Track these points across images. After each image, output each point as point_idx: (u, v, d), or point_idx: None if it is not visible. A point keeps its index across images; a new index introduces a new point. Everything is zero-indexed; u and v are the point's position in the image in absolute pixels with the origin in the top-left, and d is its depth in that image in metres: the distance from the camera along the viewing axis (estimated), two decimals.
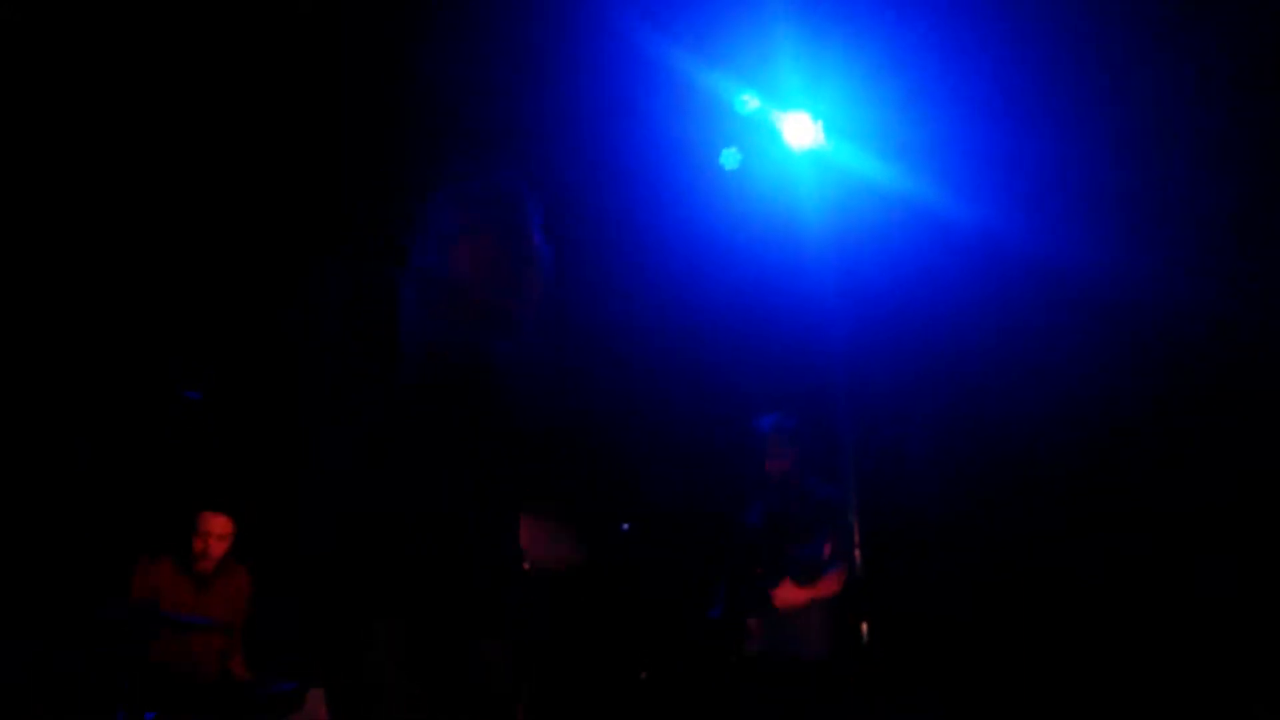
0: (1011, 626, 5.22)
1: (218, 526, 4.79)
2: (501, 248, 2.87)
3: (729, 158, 5.42)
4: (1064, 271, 5.08)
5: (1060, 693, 5.07)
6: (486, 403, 2.91)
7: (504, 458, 2.96)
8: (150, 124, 4.96)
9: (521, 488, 3.03)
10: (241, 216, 5.19)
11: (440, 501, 2.79)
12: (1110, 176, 4.85)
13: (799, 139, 5.34)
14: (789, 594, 4.85)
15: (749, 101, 5.36)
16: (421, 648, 2.64)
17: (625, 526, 5.09)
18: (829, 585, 4.83)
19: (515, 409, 2.96)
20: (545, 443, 3.12)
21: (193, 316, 5.24)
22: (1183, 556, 4.87)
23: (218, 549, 4.76)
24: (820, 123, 5.30)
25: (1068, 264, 5.06)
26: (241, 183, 5.28)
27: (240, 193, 5.29)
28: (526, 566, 3.20)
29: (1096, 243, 4.95)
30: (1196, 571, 4.85)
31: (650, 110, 5.43)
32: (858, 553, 4.93)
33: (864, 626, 4.93)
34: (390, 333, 2.93)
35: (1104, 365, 5.10)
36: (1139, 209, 4.87)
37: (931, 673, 5.27)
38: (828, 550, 4.87)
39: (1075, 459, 5.15)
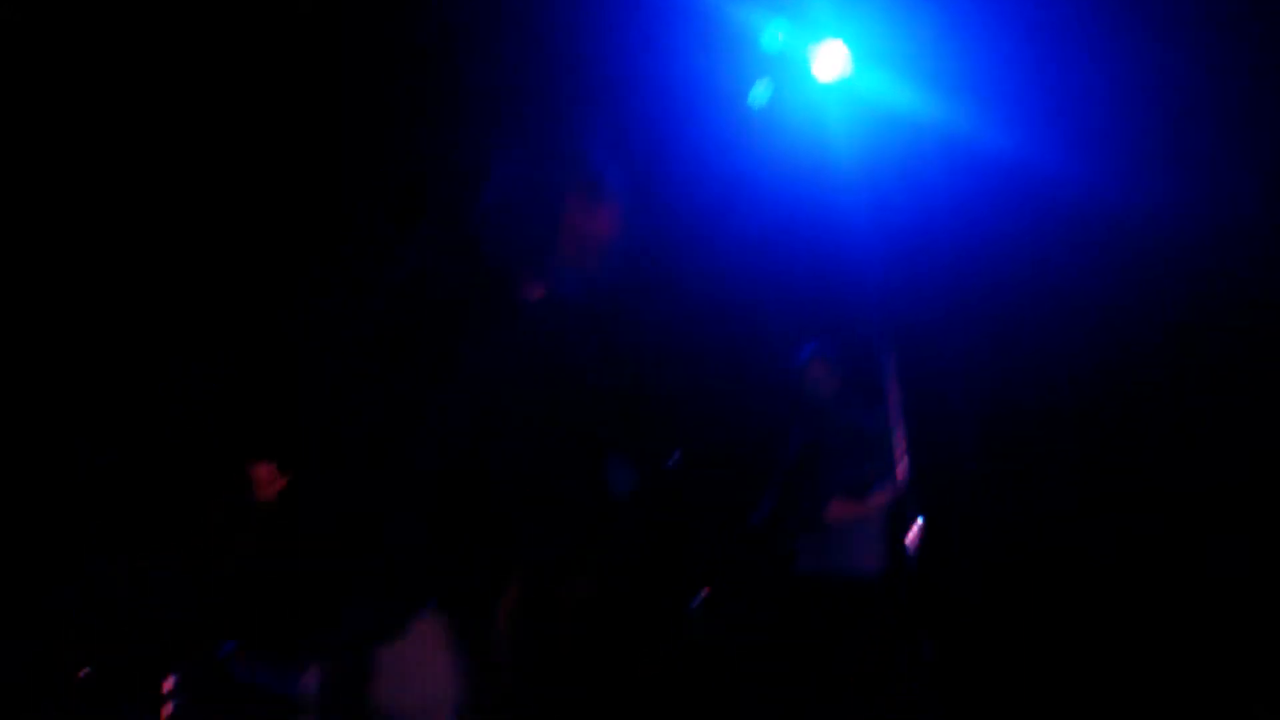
0: (1041, 569, 5.21)
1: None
2: (566, 173, 2.84)
3: (758, 92, 5.35)
4: (1103, 203, 5.04)
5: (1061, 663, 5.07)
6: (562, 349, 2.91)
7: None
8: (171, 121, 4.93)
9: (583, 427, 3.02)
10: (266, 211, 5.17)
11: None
12: (1156, 105, 4.79)
13: (828, 71, 5.27)
14: (836, 509, 4.88)
15: (776, 35, 5.28)
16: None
17: (675, 456, 5.09)
18: (876, 499, 4.88)
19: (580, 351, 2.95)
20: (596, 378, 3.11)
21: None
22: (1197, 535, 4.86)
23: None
24: (850, 52, 5.22)
25: (1107, 195, 5.01)
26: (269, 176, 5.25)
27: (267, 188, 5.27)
28: None
29: (1140, 174, 4.90)
30: (1209, 556, 4.85)
31: (672, 46, 5.37)
32: (901, 471, 4.90)
33: (911, 538, 4.90)
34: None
35: (1142, 300, 5.06)
36: (1187, 141, 4.81)
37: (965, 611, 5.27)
38: (872, 473, 4.89)
39: (1109, 391, 5.12)
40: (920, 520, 4.65)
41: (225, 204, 5.02)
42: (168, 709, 4.07)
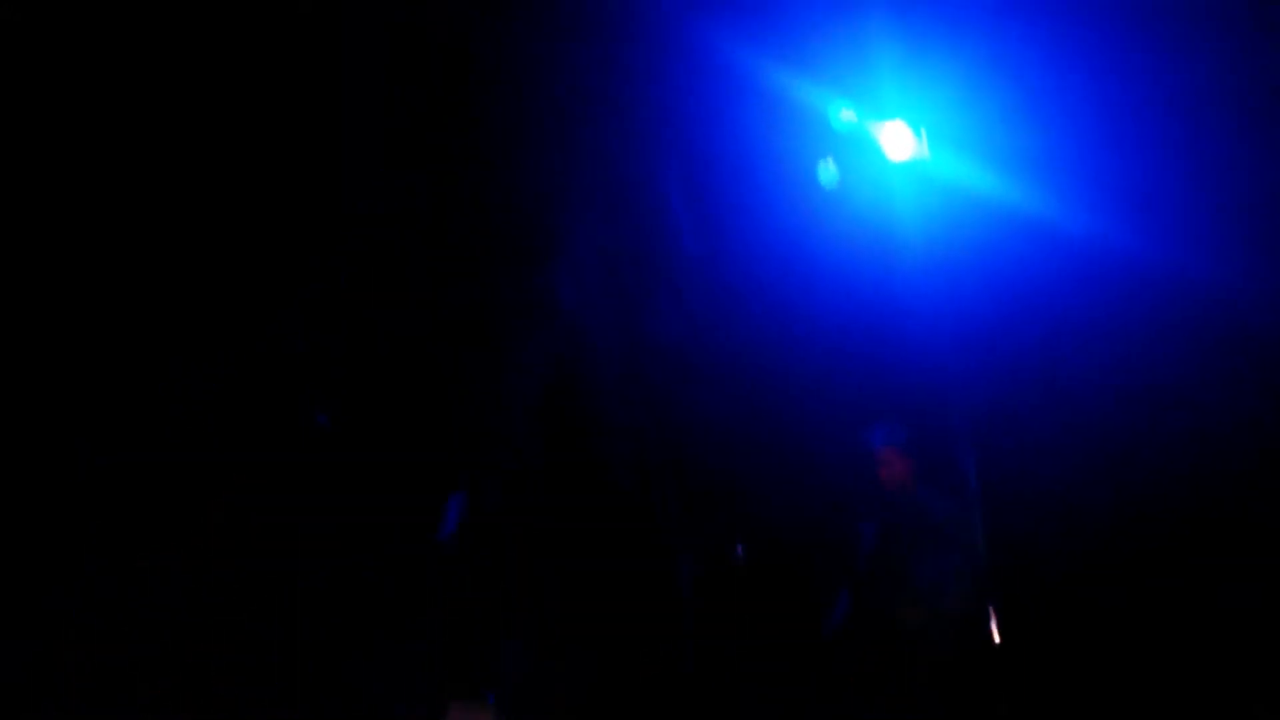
0: (1132, 654, 5.05)
1: None
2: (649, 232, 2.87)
3: (827, 172, 5.30)
4: (1184, 284, 4.93)
5: None
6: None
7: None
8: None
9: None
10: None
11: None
12: (1232, 186, 4.71)
13: (898, 150, 5.21)
14: (909, 613, 4.74)
15: (846, 114, 5.24)
16: None
17: (740, 550, 4.97)
18: (952, 604, 4.72)
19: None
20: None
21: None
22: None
23: None
24: (921, 133, 5.17)
25: (1185, 276, 4.90)
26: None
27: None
28: None
29: (1217, 255, 4.80)
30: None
31: (745, 125, 5.33)
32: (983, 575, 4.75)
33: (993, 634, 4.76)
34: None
35: (1226, 381, 4.93)
36: (1263, 221, 4.71)
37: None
38: (950, 569, 4.75)
39: (1196, 476, 4.98)
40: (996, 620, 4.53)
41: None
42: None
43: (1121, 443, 4.87)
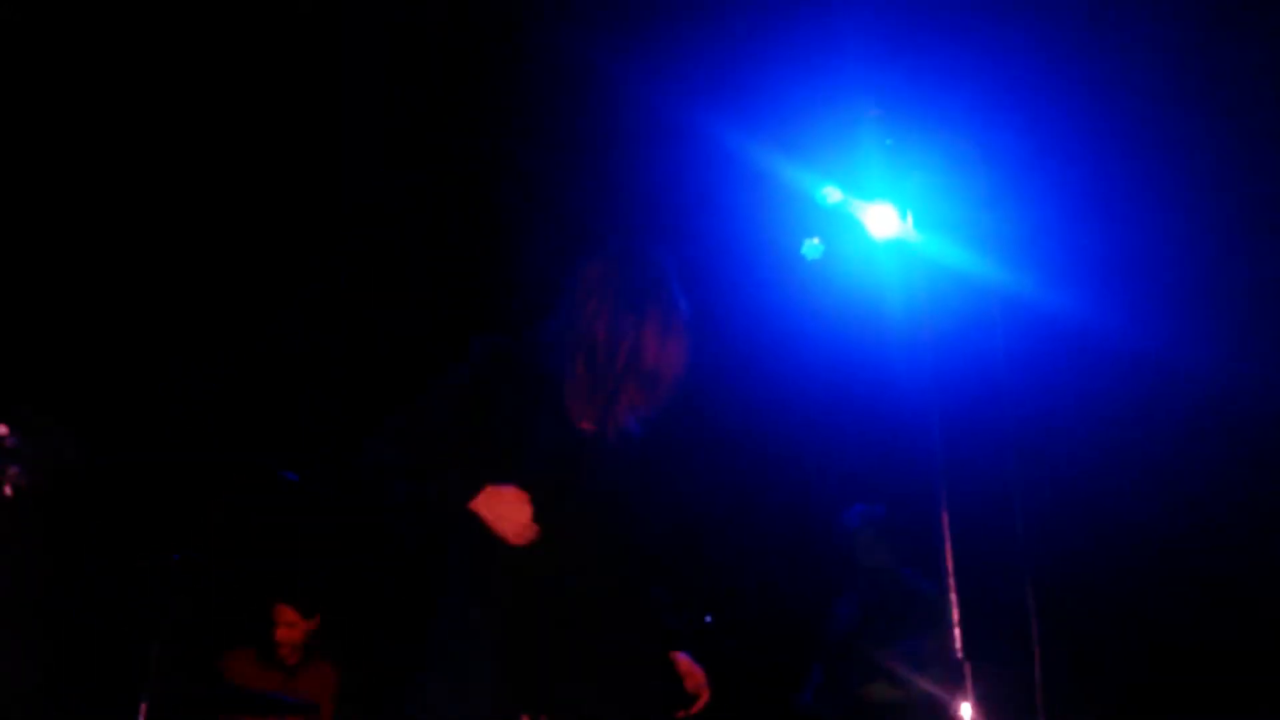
0: None
1: (288, 616, 4.74)
2: (648, 316, 2.84)
3: (811, 249, 5.38)
4: (1161, 363, 4.96)
5: None
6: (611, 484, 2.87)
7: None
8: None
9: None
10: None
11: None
12: (1213, 268, 4.77)
13: (882, 229, 5.29)
14: (884, 692, 4.64)
15: (831, 193, 5.34)
16: None
17: (709, 619, 4.91)
18: (925, 685, 4.63)
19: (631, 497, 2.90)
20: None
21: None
22: None
23: (294, 636, 4.68)
24: (906, 213, 5.25)
25: (1165, 355, 4.93)
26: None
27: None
28: None
29: (1199, 336, 4.84)
30: None
31: (731, 203, 5.45)
32: (959, 649, 4.67)
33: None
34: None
35: (1210, 462, 4.92)
36: (1245, 302, 4.76)
37: None
38: (927, 647, 4.68)
39: (1184, 553, 4.94)
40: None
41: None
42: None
43: (1106, 522, 4.85)
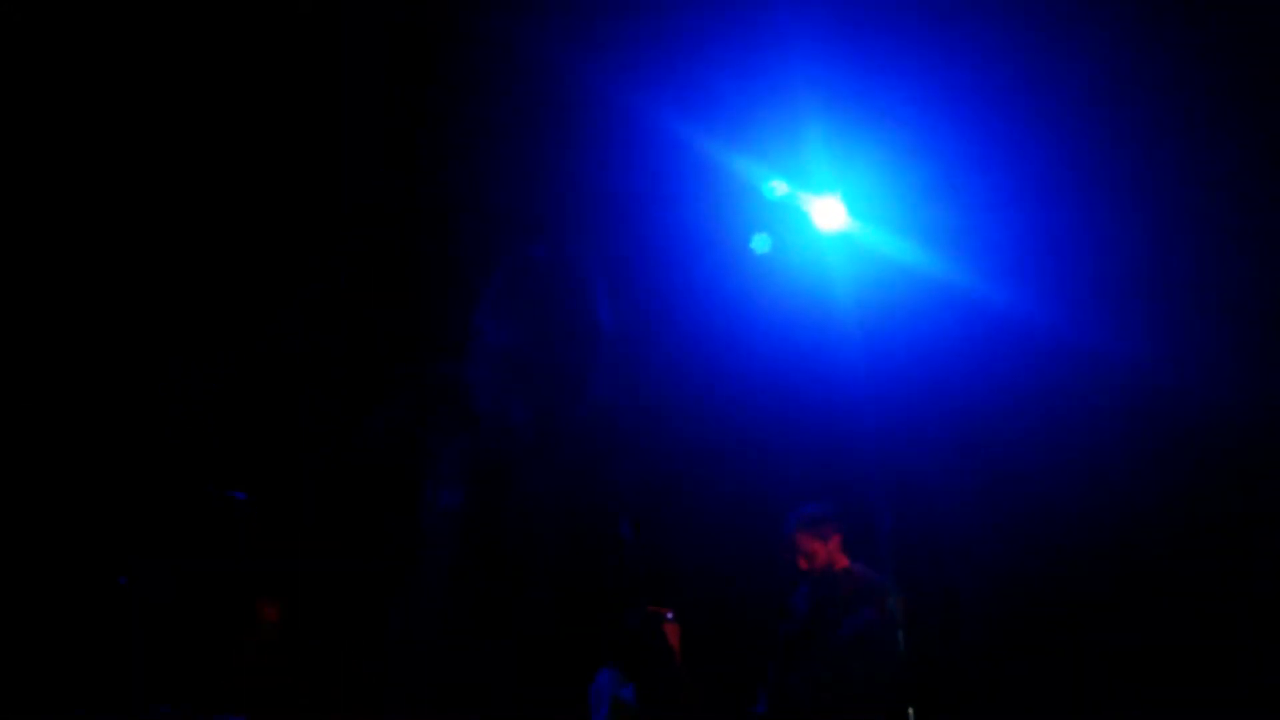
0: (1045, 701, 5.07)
1: (269, 613, 4.78)
2: (564, 315, 2.86)
3: (759, 242, 5.48)
4: (1096, 355, 5.09)
5: None
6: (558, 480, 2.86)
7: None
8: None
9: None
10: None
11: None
12: (1143, 260, 4.90)
13: (828, 222, 5.40)
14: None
15: (778, 187, 5.44)
16: None
17: (670, 615, 4.96)
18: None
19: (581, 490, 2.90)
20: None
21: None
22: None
23: (271, 635, 4.73)
24: (848, 206, 5.37)
25: (1100, 347, 5.06)
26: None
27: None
28: None
29: (1129, 327, 4.97)
30: None
31: (680, 197, 5.52)
32: (901, 634, 4.76)
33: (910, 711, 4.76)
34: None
35: (1135, 451, 5.05)
36: (1173, 294, 4.90)
37: None
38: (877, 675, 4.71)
39: (1107, 541, 5.07)
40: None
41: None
42: None
43: (1040, 509, 4.97)
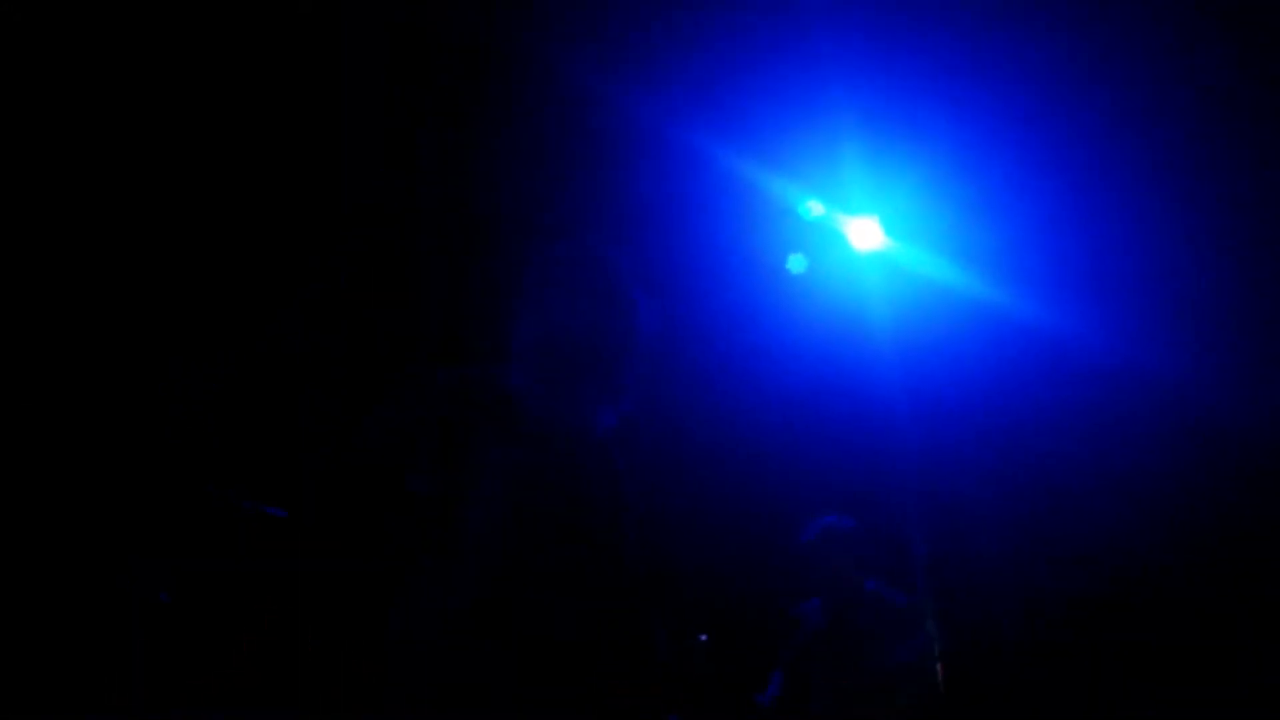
0: None
1: (290, 615, 4.80)
2: (598, 306, 2.85)
3: (795, 262, 5.47)
4: (1136, 374, 5.02)
5: None
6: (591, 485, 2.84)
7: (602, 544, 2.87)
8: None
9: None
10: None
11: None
12: (1186, 278, 4.84)
13: (864, 242, 5.39)
14: (861, 710, 4.65)
15: (814, 207, 5.44)
16: None
17: (703, 638, 4.92)
18: (905, 701, 4.61)
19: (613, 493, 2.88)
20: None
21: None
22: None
23: (294, 636, 4.74)
24: (885, 226, 5.35)
25: (1140, 366, 5.00)
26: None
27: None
28: None
29: (1174, 348, 4.90)
30: None
31: (716, 217, 5.53)
32: (939, 667, 4.67)
33: None
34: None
35: (1183, 472, 4.97)
36: (1217, 313, 4.83)
37: None
38: (904, 666, 4.67)
39: (1155, 566, 4.98)
40: None
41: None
42: None
43: (1079, 530, 4.90)
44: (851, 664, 4.70)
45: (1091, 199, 4.84)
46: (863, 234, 5.37)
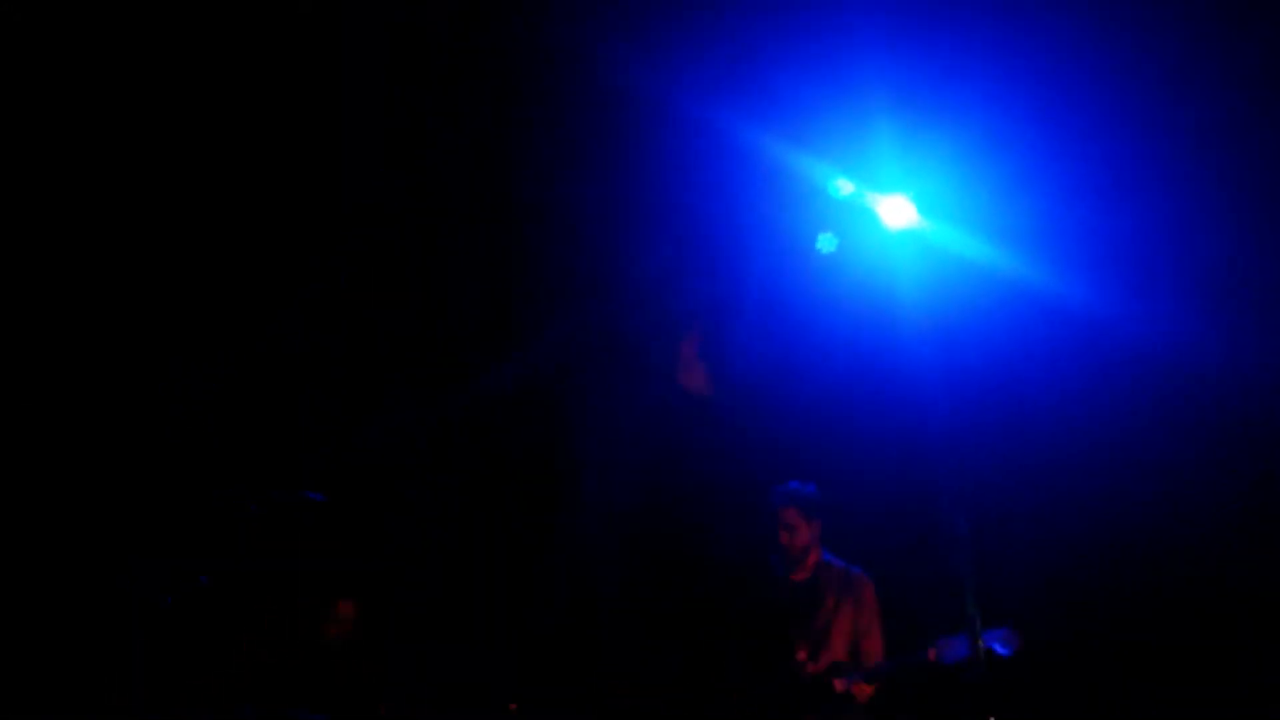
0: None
1: (346, 612, 4.81)
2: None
3: (826, 242, 5.43)
4: (1172, 355, 5.00)
5: None
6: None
7: None
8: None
9: None
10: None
11: None
12: (1224, 258, 4.82)
13: (895, 220, 5.34)
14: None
15: (844, 186, 5.39)
16: None
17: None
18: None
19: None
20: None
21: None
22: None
23: (346, 630, 4.76)
24: (916, 204, 5.31)
25: (1177, 347, 4.98)
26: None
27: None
28: None
29: (1213, 328, 4.88)
30: None
31: (747, 197, 5.49)
32: (979, 644, 4.64)
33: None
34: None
35: (1215, 449, 4.96)
36: (1257, 294, 4.81)
37: None
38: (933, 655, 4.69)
39: (1184, 544, 4.98)
40: None
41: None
42: None
43: (1108, 509, 4.88)
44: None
45: (1130, 174, 4.82)
46: (894, 212, 5.32)
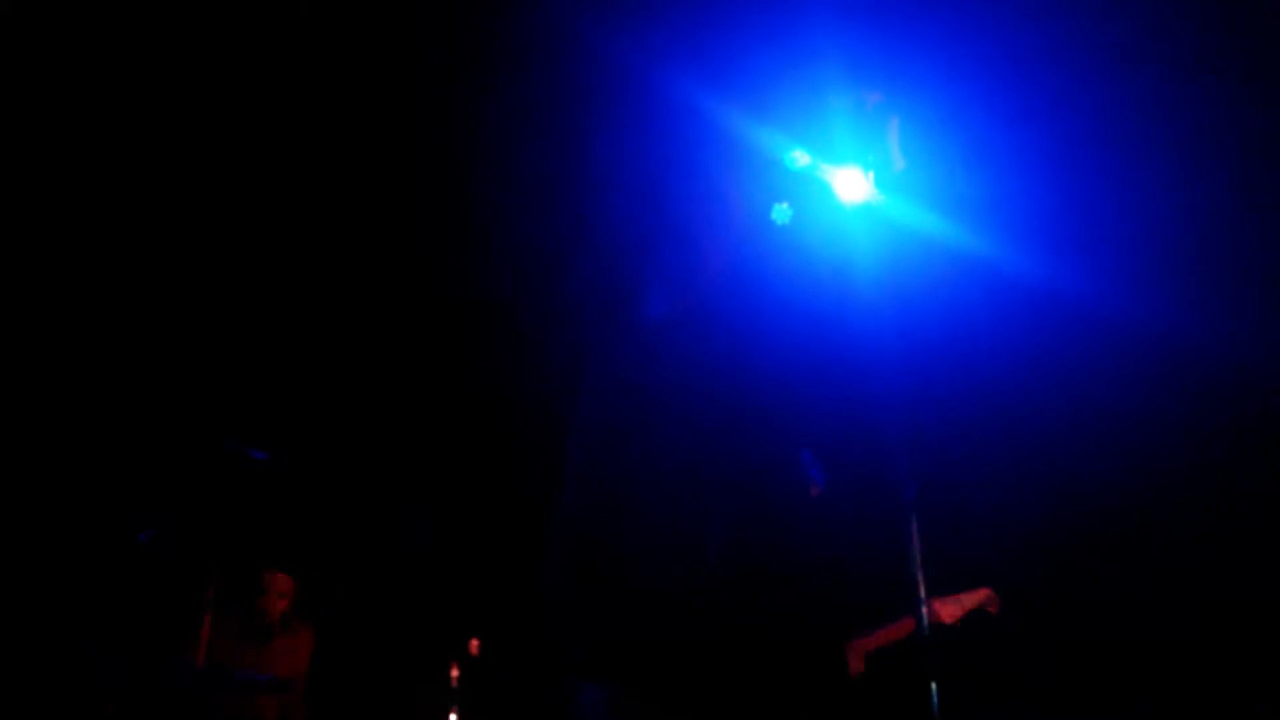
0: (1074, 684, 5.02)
1: (279, 584, 4.76)
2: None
3: (780, 213, 5.37)
4: (1128, 328, 5.03)
5: None
6: None
7: None
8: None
9: None
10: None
11: None
12: (1181, 230, 4.84)
13: (851, 194, 5.30)
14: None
15: (799, 157, 5.33)
16: None
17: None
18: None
19: None
20: None
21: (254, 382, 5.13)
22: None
23: (279, 606, 4.70)
24: (872, 176, 5.27)
25: (1133, 320, 5.00)
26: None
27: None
28: None
29: (1164, 299, 4.91)
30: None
31: (699, 167, 5.40)
32: (924, 609, 4.73)
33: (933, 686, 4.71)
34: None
35: (1168, 419, 5.00)
36: (1213, 264, 4.84)
37: None
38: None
39: (1135, 512, 5.03)
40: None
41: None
42: None
43: (1063, 477, 4.92)
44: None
45: (1088, 147, 4.81)
46: (849, 185, 5.28)
